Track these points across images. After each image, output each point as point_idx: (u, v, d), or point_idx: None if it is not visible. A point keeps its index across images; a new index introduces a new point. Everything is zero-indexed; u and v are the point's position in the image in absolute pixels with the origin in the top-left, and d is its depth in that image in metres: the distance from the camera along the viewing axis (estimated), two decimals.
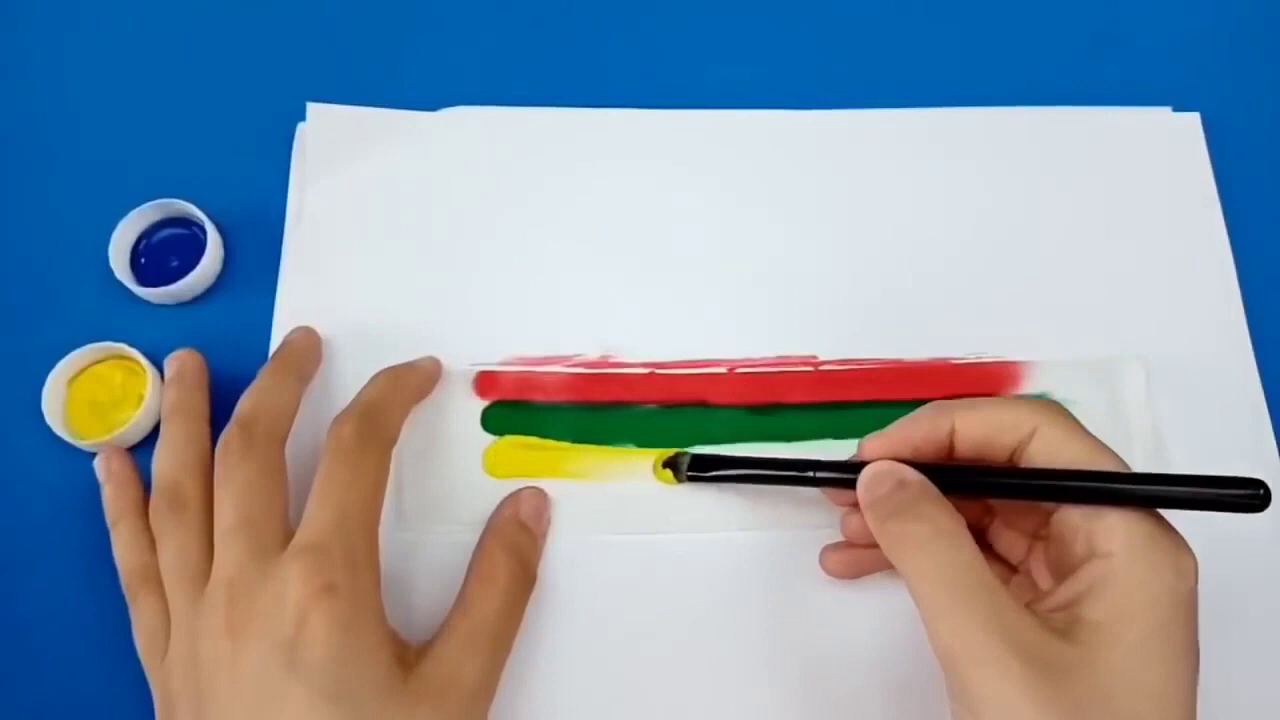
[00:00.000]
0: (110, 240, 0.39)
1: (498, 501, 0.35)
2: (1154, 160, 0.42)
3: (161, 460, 0.34)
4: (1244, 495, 0.27)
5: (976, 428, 0.30)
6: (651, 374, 0.38)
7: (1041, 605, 0.28)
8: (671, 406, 0.37)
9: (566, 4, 0.45)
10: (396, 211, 0.40)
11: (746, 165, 0.41)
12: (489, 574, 0.33)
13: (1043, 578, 0.31)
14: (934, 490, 0.30)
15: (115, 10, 0.44)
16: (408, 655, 0.31)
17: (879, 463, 0.31)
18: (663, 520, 0.36)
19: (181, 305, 0.39)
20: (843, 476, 0.32)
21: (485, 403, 0.37)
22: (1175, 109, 0.42)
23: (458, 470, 0.36)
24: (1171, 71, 0.43)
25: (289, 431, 0.34)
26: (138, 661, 0.32)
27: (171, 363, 0.37)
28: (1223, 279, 0.40)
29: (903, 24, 0.45)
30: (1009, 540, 0.32)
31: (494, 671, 0.32)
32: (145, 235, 0.40)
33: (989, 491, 0.30)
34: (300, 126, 0.41)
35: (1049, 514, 0.30)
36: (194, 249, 0.39)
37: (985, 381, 0.38)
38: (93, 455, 0.36)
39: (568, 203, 0.41)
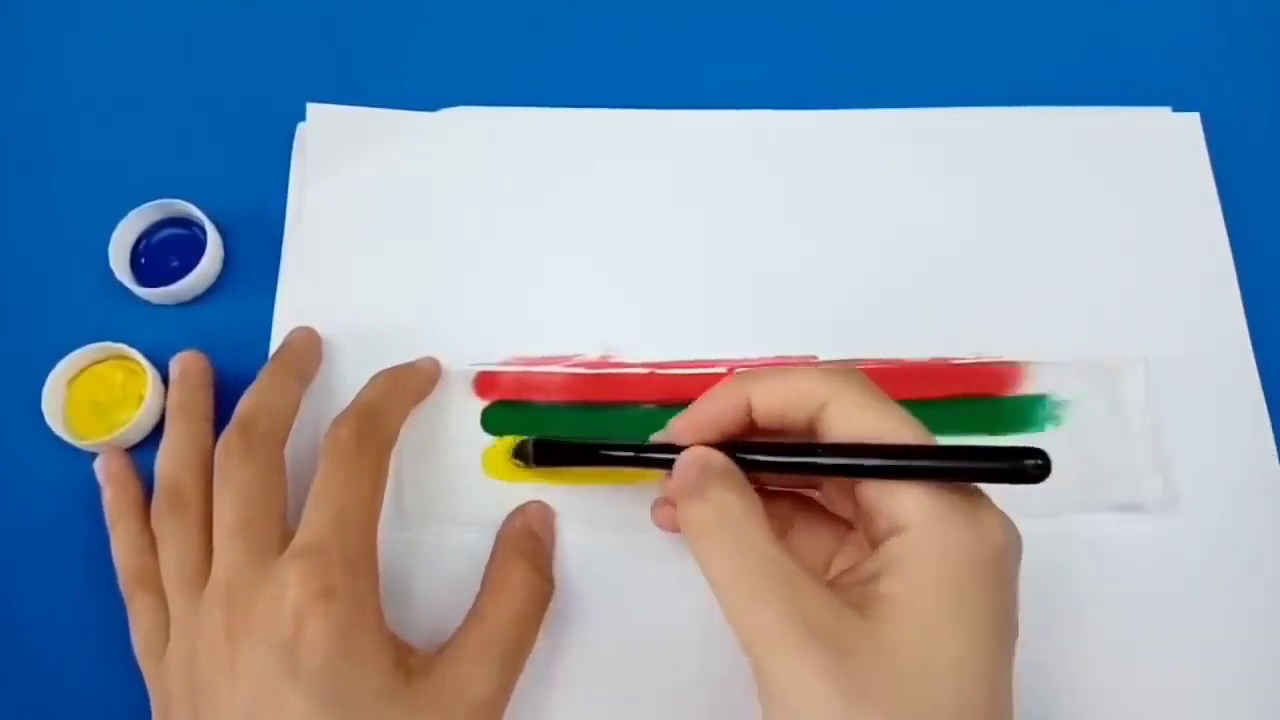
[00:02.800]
0: (110, 240, 0.39)
1: (498, 501, 0.35)
2: (1154, 160, 0.42)
3: (164, 460, 0.34)
4: (1026, 466, 0.25)
5: (771, 400, 0.29)
6: (651, 374, 0.38)
7: (848, 578, 0.27)
8: (671, 406, 0.37)
9: (566, 4, 0.45)
10: (396, 211, 0.40)
11: (746, 165, 0.41)
12: (503, 582, 0.33)
13: (864, 542, 0.29)
14: (731, 470, 0.29)
15: (115, 10, 0.45)
16: (410, 660, 0.31)
17: (690, 449, 0.30)
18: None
19: (181, 305, 0.39)
20: (667, 458, 0.31)
21: (485, 403, 0.37)
22: (1175, 109, 0.42)
23: (457, 470, 0.36)
24: (1171, 71, 0.43)
25: (289, 432, 0.34)
26: (136, 662, 0.32)
27: (176, 363, 0.37)
28: (1223, 279, 0.40)
29: (903, 24, 0.45)
30: (839, 500, 0.31)
31: (507, 685, 0.31)
32: (145, 235, 0.40)
33: (788, 470, 0.29)
34: (300, 126, 0.41)
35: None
36: (194, 249, 0.39)
37: (985, 381, 0.38)
38: (93, 455, 0.36)
39: (567, 202, 0.41)
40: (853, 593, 0.26)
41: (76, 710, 0.35)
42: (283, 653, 0.28)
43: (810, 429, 0.29)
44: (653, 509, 0.34)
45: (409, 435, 0.36)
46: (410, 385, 0.36)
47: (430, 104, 0.42)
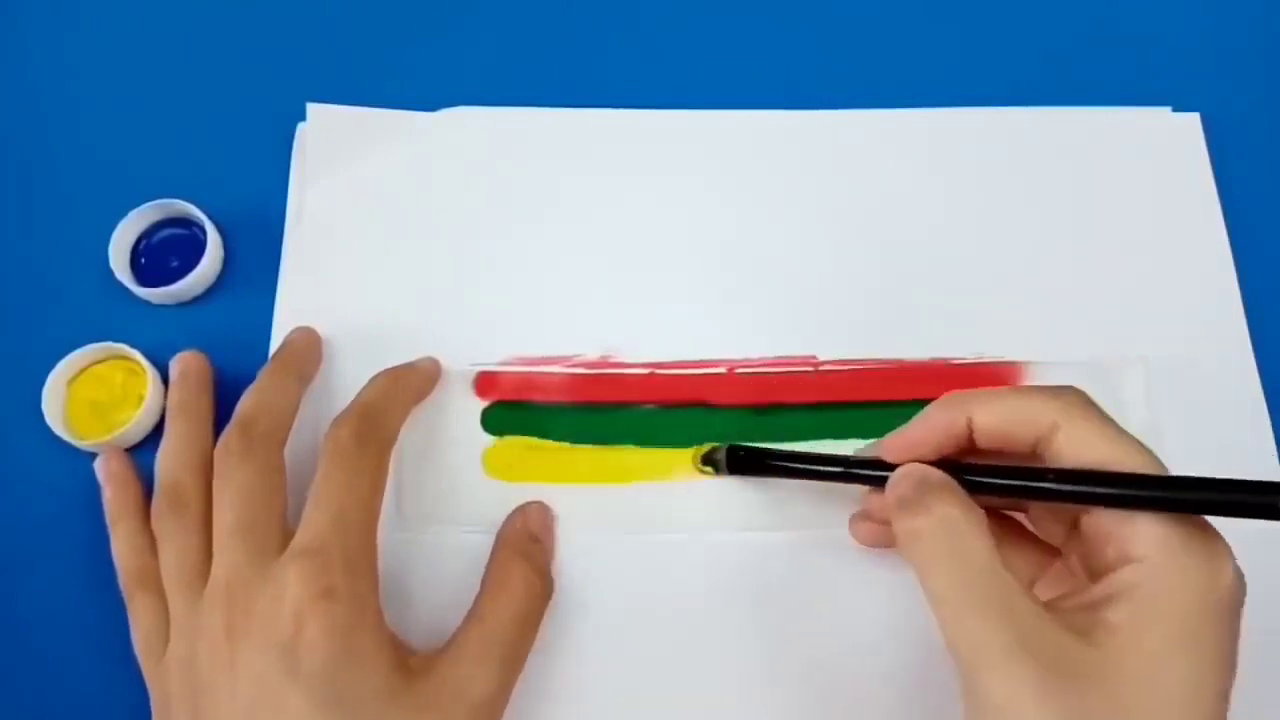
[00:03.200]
0: (110, 240, 0.39)
1: (498, 502, 0.35)
2: (1154, 160, 0.42)
3: (164, 460, 0.34)
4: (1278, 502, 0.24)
5: (994, 422, 0.29)
6: (651, 374, 0.38)
7: (1067, 603, 0.27)
8: (671, 406, 0.37)
9: (567, 4, 0.45)
10: (396, 211, 0.40)
11: (747, 165, 0.41)
12: (503, 582, 0.33)
13: (1079, 569, 0.29)
14: (951, 485, 0.28)
15: (115, 10, 0.44)
16: (410, 660, 0.31)
17: (907, 465, 0.30)
18: (663, 520, 0.36)
19: (181, 305, 0.39)
20: (878, 475, 0.31)
21: (485, 403, 0.37)
22: (1175, 109, 0.42)
23: (458, 470, 0.36)
24: (1171, 71, 0.43)
25: (289, 433, 0.34)
26: (137, 662, 0.32)
27: (176, 363, 0.36)
28: (1223, 279, 0.40)
29: (902, 24, 0.45)
30: (1049, 526, 0.31)
31: (506, 685, 0.31)
32: (145, 235, 0.40)
33: (1014, 494, 0.29)
34: (300, 126, 0.41)
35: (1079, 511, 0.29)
36: (194, 249, 0.39)
37: (985, 381, 0.38)
38: (93, 455, 0.36)
39: (567, 202, 0.41)
40: (1075, 618, 0.26)
41: (77, 710, 0.35)
42: (282, 653, 0.28)
43: (1035, 452, 0.28)
44: (851, 523, 0.34)
45: (409, 435, 0.36)
46: (410, 385, 0.36)
47: (430, 104, 0.42)
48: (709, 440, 0.37)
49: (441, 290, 0.39)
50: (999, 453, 0.29)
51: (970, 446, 0.30)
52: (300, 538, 0.30)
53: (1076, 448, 0.27)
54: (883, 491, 0.30)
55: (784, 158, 0.41)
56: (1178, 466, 0.36)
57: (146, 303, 0.39)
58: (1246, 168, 0.41)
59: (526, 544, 0.34)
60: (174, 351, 0.38)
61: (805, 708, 0.34)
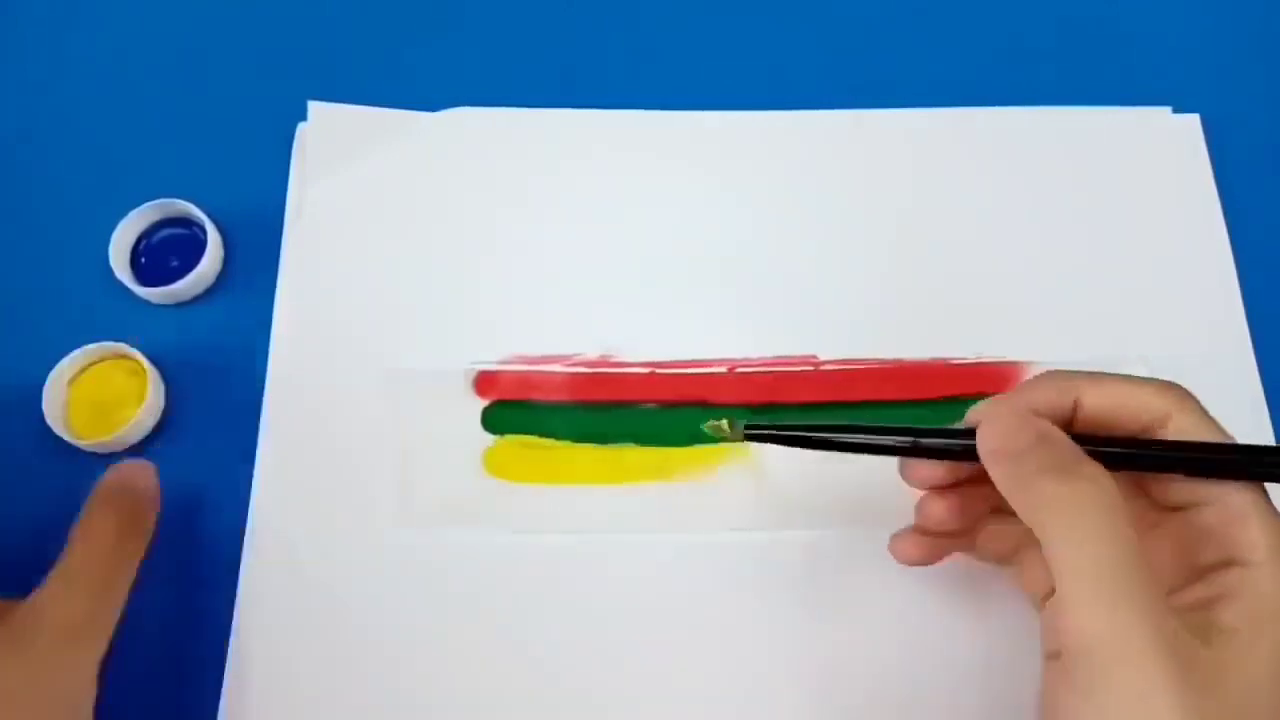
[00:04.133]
0: (110, 240, 0.39)
1: (498, 501, 0.36)
2: (1154, 160, 0.41)
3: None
4: None
5: (1105, 403, 0.28)
6: (651, 374, 0.38)
7: (1173, 600, 0.26)
8: (671, 406, 0.37)
9: (567, 5, 0.45)
10: (397, 211, 0.40)
11: (747, 165, 0.41)
12: (91, 528, 0.32)
13: (1178, 563, 0.28)
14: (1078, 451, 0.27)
15: (115, 10, 0.45)
16: (6, 609, 0.30)
17: (1007, 410, 0.28)
18: (663, 520, 0.36)
19: (181, 305, 0.39)
20: (954, 444, 0.28)
21: (485, 402, 0.37)
22: (1175, 109, 0.42)
23: (457, 470, 0.36)
24: (1171, 71, 0.43)
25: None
26: (138, 661, 0.32)
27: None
28: (1223, 279, 0.40)
29: (902, 24, 0.45)
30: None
31: (97, 614, 0.30)
32: (145, 235, 0.40)
33: (1137, 464, 0.28)
34: (301, 126, 0.41)
35: (1161, 508, 0.28)
36: (194, 249, 0.39)
37: (985, 381, 0.38)
38: (93, 455, 0.36)
39: (568, 202, 0.41)
40: (1187, 618, 0.25)
41: None
42: None
43: (1138, 440, 0.28)
44: (896, 542, 0.31)
45: (409, 435, 0.36)
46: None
47: (430, 104, 0.42)
48: (709, 440, 0.36)
49: (441, 289, 0.39)
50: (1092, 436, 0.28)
51: (1067, 427, 0.28)
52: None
53: (1188, 437, 0.27)
54: (943, 490, 0.29)
55: (784, 158, 0.41)
56: None
57: (146, 303, 0.39)
58: (1246, 168, 0.41)
59: (119, 498, 0.33)
60: (174, 351, 0.38)
61: (805, 710, 0.34)
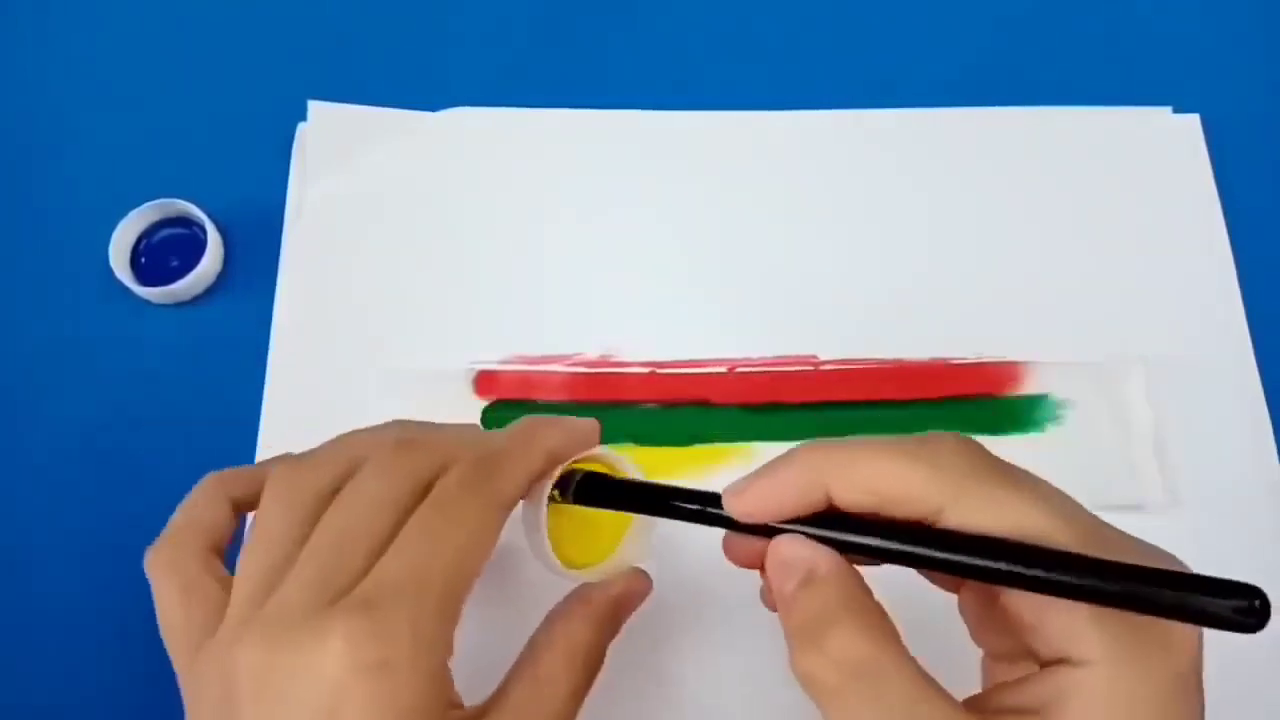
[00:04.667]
0: (110, 240, 0.39)
1: None
2: (1154, 161, 0.42)
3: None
4: (1238, 607, 0.20)
5: (859, 495, 0.23)
6: (651, 374, 0.38)
7: (999, 701, 0.22)
8: (671, 406, 0.37)
9: (567, 5, 0.45)
10: (397, 211, 0.40)
11: (747, 165, 0.41)
12: (571, 652, 0.27)
13: (1005, 639, 0.24)
14: (854, 590, 0.23)
15: (115, 10, 0.45)
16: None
17: (786, 542, 0.24)
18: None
19: (181, 305, 0.39)
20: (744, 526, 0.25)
21: (485, 402, 0.37)
22: (1175, 109, 0.42)
23: None
24: (1171, 71, 0.43)
25: (514, 504, 0.27)
26: (138, 663, 0.32)
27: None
28: (1223, 279, 0.40)
29: (902, 24, 0.45)
30: (970, 601, 0.26)
31: None
32: (145, 235, 0.40)
33: (904, 561, 0.23)
34: (301, 126, 0.41)
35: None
36: (194, 249, 0.39)
37: (985, 381, 0.38)
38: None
39: (568, 202, 0.41)
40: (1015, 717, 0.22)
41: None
42: None
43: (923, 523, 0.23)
44: (726, 544, 0.26)
45: None
46: (543, 434, 0.28)
47: (431, 104, 0.42)
48: (709, 440, 0.37)
49: (442, 289, 0.39)
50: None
51: (829, 507, 0.24)
52: (364, 586, 0.24)
53: (979, 519, 0.22)
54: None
55: (784, 158, 0.41)
56: (1177, 466, 0.36)
57: (146, 302, 0.39)
58: (1246, 168, 0.41)
59: (610, 621, 0.29)
60: (174, 351, 0.38)
61: (805, 709, 0.34)
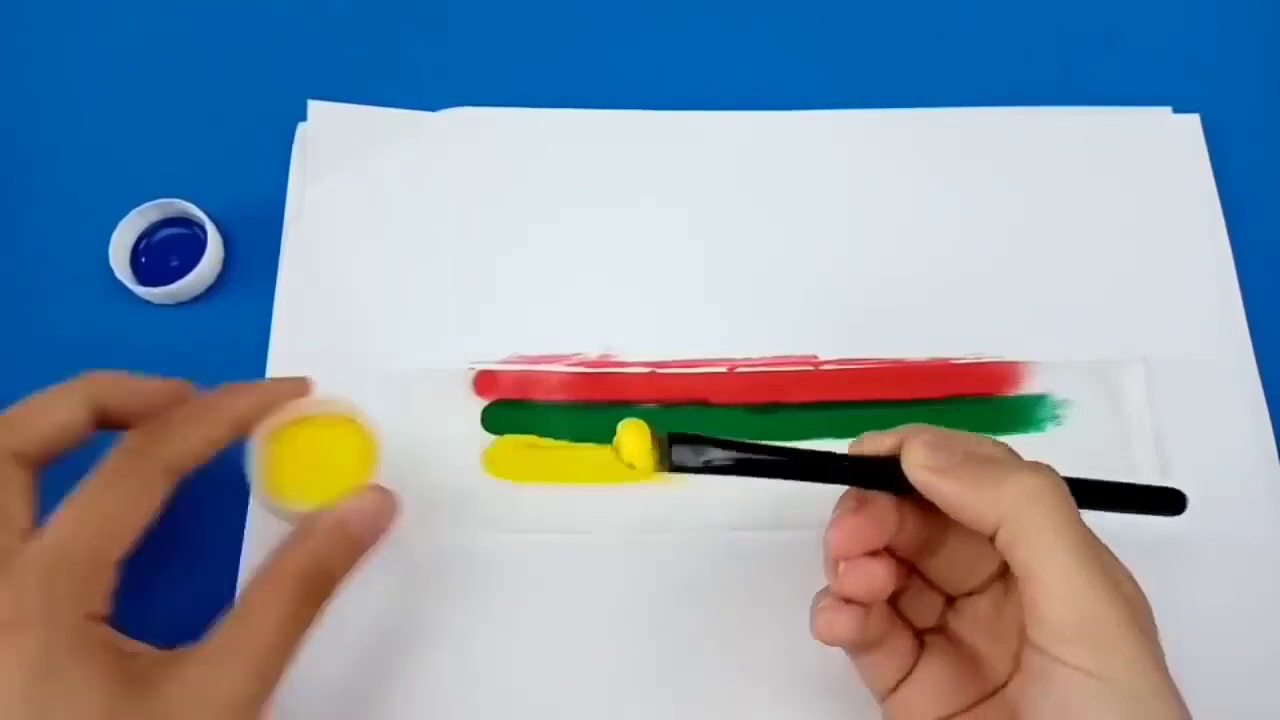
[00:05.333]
0: (110, 240, 0.39)
1: (498, 501, 0.35)
2: (1154, 161, 0.42)
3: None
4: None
5: (919, 532, 0.28)
6: (651, 374, 0.38)
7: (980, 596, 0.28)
8: (671, 406, 0.37)
9: (568, 5, 0.45)
10: (397, 211, 0.40)
11: (748, 165, 0.41)
12: (278, 579, 0.28)
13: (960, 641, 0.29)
14: None
15: (115, 10, 0.45)
16: (138, 664, 0.27)
17: (924, 434, 0.27)
18: (664, 520, 0.36)
19: (181, 305, 0.39)
20: (872, 467, 0.28)
21: (485, 402, 0.37)
22: (1175, 109, 0.42)
23: (457, 470, 0.36)
24: (1171, 71, 0.43)
25: (179, 476, 0.29)
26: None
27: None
28: (1223, 279, 0.40)
29: (902, 24, 0.45)
30: (927, 602, 0.30)
31: (262, 693, 0.27)
32: (145, 235, 0.40)
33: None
34: (301, 126, 0.41)
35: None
36: (194, 249, 0.39)
37: (985, 381, 0.38)
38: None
39: (568, 202, 0.41)
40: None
41: None
42: None
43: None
44: (821, 615, 0.28)
45: (408, 435, 0.36)
46: (217, 415, 0.30)
47: (430, 104, 0.42)
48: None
49: (442, 289, 0.39)
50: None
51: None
52: (9, 557, 0.26)
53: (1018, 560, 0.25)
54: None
55: (785, 158, 0.41)
56: (1177, 466, 0.36)
57: (146, 302, 0.39)
58: (1246, 168, 0.41)
59: (327, 541, 0.29)
60: (174, 351, 0.38)
61: (805, 708, 0.34)
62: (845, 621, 0.28)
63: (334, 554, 0.29)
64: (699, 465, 0.27)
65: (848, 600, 0.28)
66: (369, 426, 0.32)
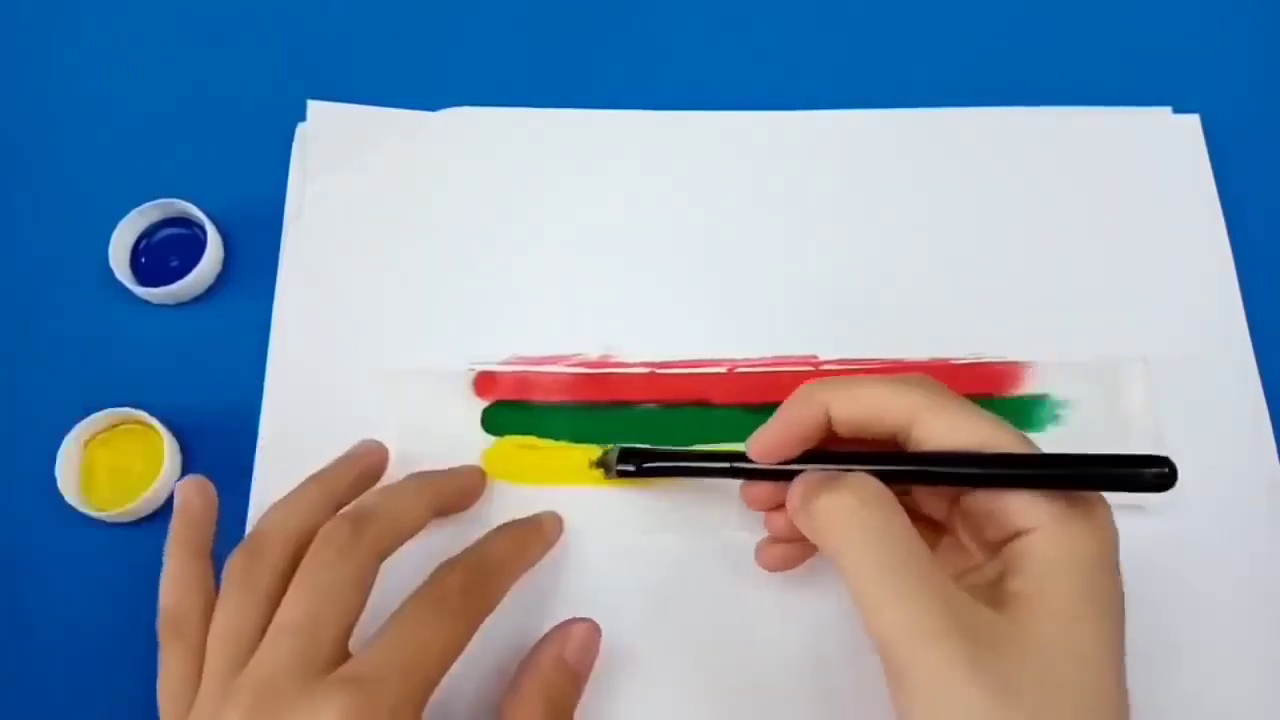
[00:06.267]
0: (110, 240, 0.39)
1: (497, 501, 0.35)
2: (1154, 161, 0.41)
3: (167, 591, 0.30)
4: (1152, 474, 0.26)
5: (854, 411, 0.29)
6: (651, 374, 0.38)
7: (968, 579, 0.28)
8: (671, 406, 0.37)
9: (567, 5, 0.45)
10: (396, 211, 0.40)
11: (747, 165, 0.41)
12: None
13: (968, 543, 0.29)
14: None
15: (115, 10, 0.45)
16: None
17: (770, 434, 0.30)
18: (664, 520, 0.36)
19: (181, 305, 0.39)
20: (768, 467, 0.31)
21: (485, 403, 0.37)
22: (1175, 109, 0.42)
23: None
24: (1171, 72, 0.43)
25: (396, 549, 0.30)
26: (137, 664, 0.32)
27: (179, 492, 0.32)
28: (1223, 279, 0.40)
29: (902, 24, 0.45)
30: (932, 503, 0.31)
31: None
32: (145, 235, 0.40)
33: (892, 479, 0.28)
34: (301, 126, 0.41)
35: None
36: (194, 249, 0.39)
37: (985, 381, 0.38)
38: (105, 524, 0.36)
39: (568, 203, 0.41)
40: (980, 593, 0.26)
41: None
42: None
43: (895, 439, 0.29)
44: (759, 552, 0.33)
45: (408, 436, 0.36)
46: (531, 547, 0.33)
47: (430, 104, 0.42)
48: (709, 440, 0.37)
49: (442, 290, 0.39)
50: (860, 440, 0.30)
51: (832, 436, 0.30)
52: (357, 663, 0.27)
53: (942, 434, 0.28)
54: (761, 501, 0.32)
55: (785, 158, 0.41)
56: (1178, 467, 0.36)
57: (146, 303, 0.39)
58: (1246, 168, 0.41)
59: (555, 675, 0.31)
60: (174, 351, 0.38)
61: (805, 707, 0.34)
62: (767, 556, 0.33)
63: (569, 691, 0.32)
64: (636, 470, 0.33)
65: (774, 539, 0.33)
66: (158, 427, 0.36)
